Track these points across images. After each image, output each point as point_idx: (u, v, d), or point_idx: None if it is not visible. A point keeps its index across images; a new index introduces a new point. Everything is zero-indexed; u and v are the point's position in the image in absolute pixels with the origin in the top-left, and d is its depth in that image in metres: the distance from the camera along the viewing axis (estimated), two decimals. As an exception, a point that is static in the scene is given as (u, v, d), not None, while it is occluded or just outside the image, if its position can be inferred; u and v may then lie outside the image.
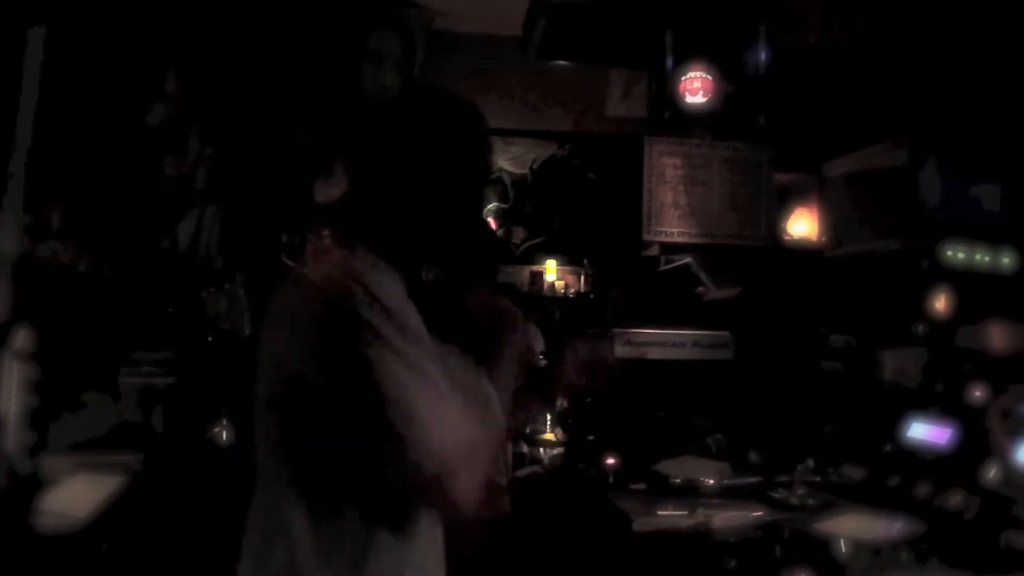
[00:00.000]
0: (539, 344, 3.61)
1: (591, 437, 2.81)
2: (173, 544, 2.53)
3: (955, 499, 2.09)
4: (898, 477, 2.30)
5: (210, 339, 3.27)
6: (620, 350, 2.76)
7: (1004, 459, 2.06)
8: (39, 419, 2.74)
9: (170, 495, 2.67)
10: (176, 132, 3.48)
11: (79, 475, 2.65)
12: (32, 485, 2.57)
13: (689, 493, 2.45)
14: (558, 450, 3.01)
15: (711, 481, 2.50)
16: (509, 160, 4.55)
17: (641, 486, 2.53)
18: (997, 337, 2.30)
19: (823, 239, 3.45)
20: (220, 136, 3.56)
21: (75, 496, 2.57)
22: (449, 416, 1.16)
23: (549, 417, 3.26)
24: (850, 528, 2.14)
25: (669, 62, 3.26)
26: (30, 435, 2.71)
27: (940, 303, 2.52)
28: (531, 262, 4.80)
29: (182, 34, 3.40)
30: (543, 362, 3.17)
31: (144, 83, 3.36)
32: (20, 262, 2.87)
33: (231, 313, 3.35)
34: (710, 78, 3.16)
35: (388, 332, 1.14)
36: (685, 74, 3.15)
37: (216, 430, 2.92)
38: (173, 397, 3.04)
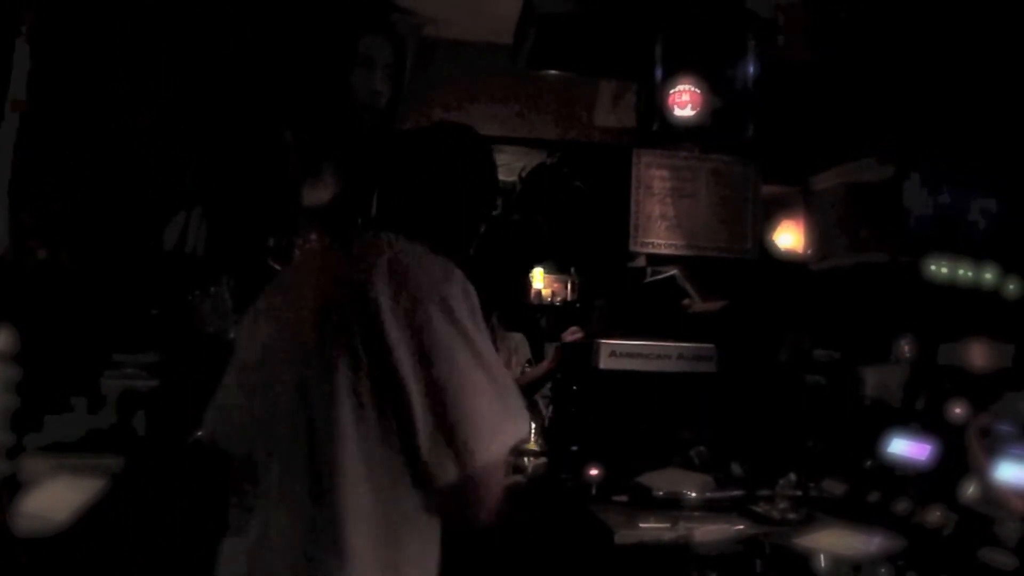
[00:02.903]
0: (525, 352, 3.62)
1: (574, 448, 2.80)
2: (154, 548, 2.52)
3: (934, 516, 2.11)
4: (878, 493, 2.31)
5: (194, 342, 3.25)
6: (604, 361, 2.76)
7: (982, 477, 2.08)
8: (19, 420, 2.72)
9: (151, 499, 2.65)
10: (163, 132, 3.46)
11: (59, 478, 2.63)
12: (11, 487, 2.55)
13: (671, 506, 2.45)
14: (541, 460, 3.01)
15: (693, 494, 2.50)
16: (498, 168, 4.56)
17: (623, 498, 2.53)
18: (978, 355, 2.32)
19: (809, 252, 3.47)
20: (208, 137, 3.54)
21: (54, 499, 2.55)
22: (500, 416, 1.26)
23: (533, 427, 3.26)
24: (830, 543, 2.15)
25: (658, 74, 3.27)
26: (9, 436, 2.69)
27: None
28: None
29: (171, 35, 3.39)
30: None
31: (132, 83, 3.35)
32: (2, 262, 2.86)
33: (216, 316, 3.34)
34: (698, 92, 3.17)
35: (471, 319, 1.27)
36: (674, 87, 3.16)
37: (199, 434, 2.90)
38: (156, 400, 3.02)
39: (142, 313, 3.24)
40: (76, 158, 3.19)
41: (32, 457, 2.67)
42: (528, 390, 3.04)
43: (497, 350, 3.05)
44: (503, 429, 1.27)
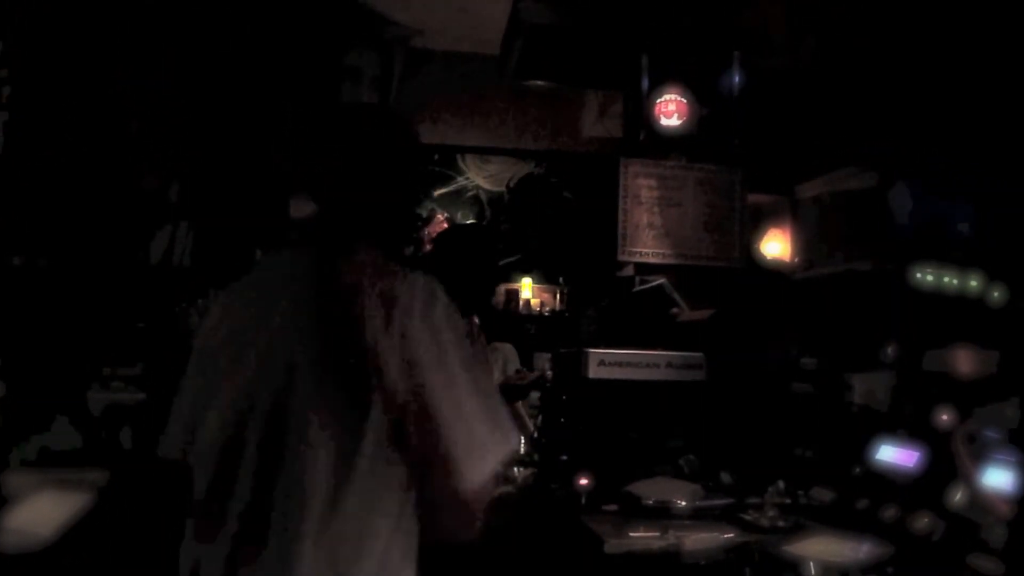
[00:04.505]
0: (514, 361, 3.62)
1: (564, 457, 2.80)
2: (139, 563, 2.50)
3: (922, 522, 2.11)
4: (866, 500, 2.32)
5: (181, 355, 3.23)
6: (593, 370, 2.77)
7: (969, 483, 2.09)
8: (4, 435, 2.70)
9: (137, 513, 2.63)
10: (151, 143, 3.46)
11: (44, 492, 2.61)
12: (-5, 502, 2.53)
13: (661, 514, 2.44)
14: (530, 470, 3.00)
15: (683, 502, 2.50)
16: (486, 178, 4.56)
17: (613, 507, 2.53)
18: (964, 362, 2.33)
19: (796, 260, 3.49)
20: (196, 151, 3.54)
21: (40, 514, 2.53)
22: (490, 435, 1.24)
23: (522, 438, 3.25)
24: (819, 550, 2.15)
25: (645, 84, 3.29)
26: (-6, 451, 2.67)
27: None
28: (507, 280, 4.82)
29: (160, 49, 3.38)
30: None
31: (120, 96, 3.34)
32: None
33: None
34: (685, 101, 3.20)
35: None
36: (660, 97, 3.18)
37: (161, 451, 2.87)
38: (142, 413, 3.01)
39: (129, 326, 3.23)
40: (64, 172, 3.18)
41: (17, 472, 2.65)
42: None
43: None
44: (493, 449, 1.25)
